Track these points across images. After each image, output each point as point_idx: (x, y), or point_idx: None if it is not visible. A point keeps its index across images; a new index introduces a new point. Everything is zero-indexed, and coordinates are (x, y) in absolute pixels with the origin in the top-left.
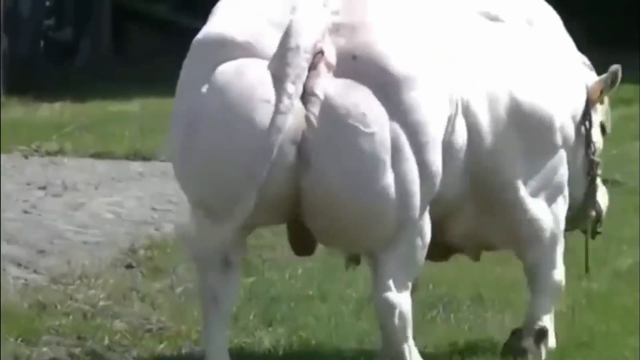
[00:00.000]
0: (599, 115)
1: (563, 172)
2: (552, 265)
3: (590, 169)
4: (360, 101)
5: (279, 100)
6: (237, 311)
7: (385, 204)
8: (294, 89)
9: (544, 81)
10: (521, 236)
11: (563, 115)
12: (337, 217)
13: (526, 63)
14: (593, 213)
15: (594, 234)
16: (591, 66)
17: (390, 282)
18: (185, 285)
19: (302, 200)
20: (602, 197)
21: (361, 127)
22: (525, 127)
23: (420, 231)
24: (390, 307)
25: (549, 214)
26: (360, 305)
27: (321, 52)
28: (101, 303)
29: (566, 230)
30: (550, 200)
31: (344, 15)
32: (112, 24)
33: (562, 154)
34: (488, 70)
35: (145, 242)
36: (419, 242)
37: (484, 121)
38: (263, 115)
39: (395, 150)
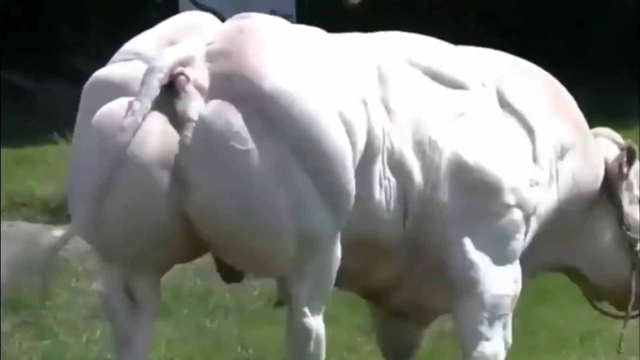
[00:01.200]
0: (635, 191)
1: (516, 239)
2: (485, 337)
3: (630, 246)
4: (233, 119)
5: (124, 118)
6: None
7: (277, 219)
8: (139, 105)
9: (491, 142)
10: (455, 295)
11: (517, 178)
12: (232, 240)
13: (475, 123)
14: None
15: (631, 315)
16: (619, 141)
17: (306, 309)
18: None
19: (195, 227)
20: None
21: (236, 145)
22: (466, 186)
23: (330, 253)
24: (307, 333)
25: (489, 277)
26: None
27: (185, 76)
28: None
29: (618, 317)
30: (496, 263)
31: (218, 44)
32: None
33: (515, 219)
34: (426, 125)
35: None
36: (329, 264)
37: (417, 174)
38: (112, 135)
39: (281, 166)
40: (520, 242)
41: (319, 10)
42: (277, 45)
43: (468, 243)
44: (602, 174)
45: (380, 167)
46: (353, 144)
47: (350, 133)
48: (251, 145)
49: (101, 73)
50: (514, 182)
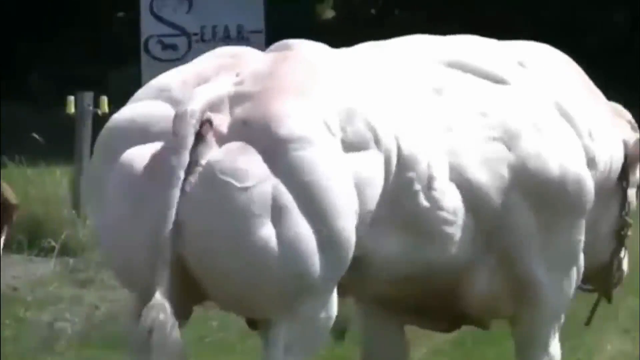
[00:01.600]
0: (637, 174)
1: (580, 240)
2: (544, 345)
3: (621, 229)
4: (239, 159)
5: (163, 175)
6: None
7: (264, 259)
8: (177, 160)
9: (548, 138)
10: (523, 301)
11: (585, 174)
12: (218, 277)
13: (534, 123)
14: (618, 274)
15: (610, 296)
16: (635, 125)
17: (280, 354)
18: None
19: (189, 268)
20: (626, 258)
21: (233, 182)
22: (536, 196)
23: (323, 304)
24: None
25: (557, 288)
26: None
27: (209, 122)
28: None
29: (585, 290)
30: (563, 272)
31: (247, 85)
32: None
33: (582, 221)
34: (486, 133)
35: None
36: (321, 315)
37: (483, 185)
38: (152, 191)
39: (280, 209)
40: (583, 238)
41: (288, 25)
42: (305, 90)
43: (542, 259)
44: (622, 156)
45: (435, 194)
46: (363, 200)
47: (361, 186)
48: (250, 183)
49: (124, 115)
50: (585, 180)
